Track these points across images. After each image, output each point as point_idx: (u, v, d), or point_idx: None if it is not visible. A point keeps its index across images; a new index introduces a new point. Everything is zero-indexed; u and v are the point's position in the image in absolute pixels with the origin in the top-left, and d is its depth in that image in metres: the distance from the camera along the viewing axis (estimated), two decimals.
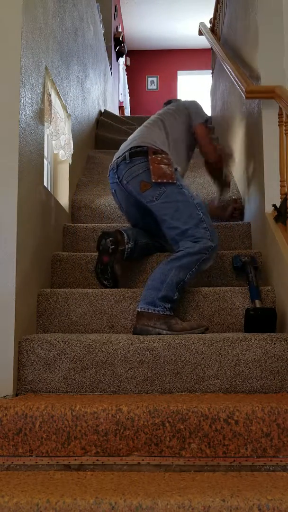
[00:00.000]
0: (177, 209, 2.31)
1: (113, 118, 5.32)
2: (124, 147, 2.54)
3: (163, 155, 2.40)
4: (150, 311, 2.14)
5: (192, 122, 2.68)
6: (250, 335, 1.96)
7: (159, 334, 2.09)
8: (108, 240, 2.40)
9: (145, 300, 2.17)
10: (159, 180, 2.32)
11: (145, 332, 2.11)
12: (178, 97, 9.96)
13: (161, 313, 2.14)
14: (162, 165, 2.35)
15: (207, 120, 2.71)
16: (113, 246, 2.39)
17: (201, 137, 2.70)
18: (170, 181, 2.32)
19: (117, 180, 2.48)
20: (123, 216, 2.83)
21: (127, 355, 1.93)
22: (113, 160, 2.55)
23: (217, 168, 2.85)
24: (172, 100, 2.94)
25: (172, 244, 2.35)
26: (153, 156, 2.38)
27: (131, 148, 2.45)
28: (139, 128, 2.64)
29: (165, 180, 2.32)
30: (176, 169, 2.41)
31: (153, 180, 2.32)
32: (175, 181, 2.33)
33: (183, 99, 2.89)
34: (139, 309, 2.16)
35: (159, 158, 2.37)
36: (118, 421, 1.55)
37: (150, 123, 2.63)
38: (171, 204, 2.32)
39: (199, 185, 3.78)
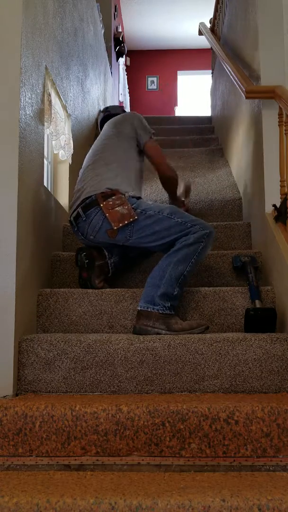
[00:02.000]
0: (154, 232, 2.27)
1: None
2: (75, 199, 2.43)
3: (114, 197, 2.30)
4: (149, 309, 2.13)
5: (141, 140, 2.57)
6: (250, 335, 1.96)
7: (158, 334, 2.09)
8: (82, 255, 2.38)
9: (144, 298, 2.17)
10: (120, 225, 2.26)
11: (144, 332, 2.10)
12: (179, 100, 9.98)
13: (161, 312, 2.13)
14: (117, 208, 2.27)
15: (153, 134, 2.62)
16: (87, 261, 2.36)
17: (154, 156, 2.61)
18: (131, 219, 2.26)
19: (83, 237, 2.40)
20: None
21: (127, 355, 1.93)
22: (70, 214, 2.43)
23: (171, 186, 2.75)
24: (109, 108, 2.87)
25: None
26: (104, 203, 2.29)
27: (81, 202, 2.35)
28: (84, 172, 2.49)
29: (126, 222, 2.26)
30: (130, 198, 2.34)
31: (115, 227, 2.27)
32: (135, 217, 2.26)
33: (122, 112, 2.80)
34: (139, 308, 2.16)
35: (110, 203, 2.28)
36: (118, 421, 1.55)
37: (95, 160, 2.49)
38: (146, 232, 2.27)
39: (199, 185, 3.78)
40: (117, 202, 2.29)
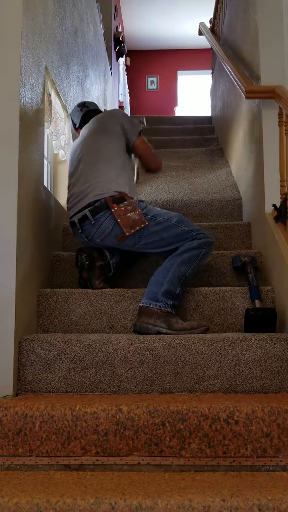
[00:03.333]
0: (161, 238, 2.29)
1: None
2: (78, 200, 2.39)
3: (125, 202, 2.30)
4: (151, 306, 2.14)
5: (129, 137, 2.54)
6: (250, 335, 1.96)
7: (159, 332, 2.09)
8: (83, 256, 2.38)
9: (147, 295, 2.17)
10: (132, 231, 2.27)
11: (144, 330, 2.11)
12: (179, 100, 9.98)
13: (162, 309, 2.13)
14: (129, 214, 2.28)
15: (141, 131, 2.58)
16: (87, 262, 2.36)
17: (144, 155, 2.61)
18: (142, 226, 2.28)
19: (87, 239, 2.39)
20: None
21: (127, 355, 1.93)
22: (72, 215, 2.41)
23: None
24: (87, 104, 2.78)
25: None
26: (116, 209, 2.28)
27: (89, 204, 2.33)
28: (85, 172, 2.43)
29: (137, 228, 2.28)
30: (139, 202, 2.35)
31: (127, 234, 2.27)
32: (146, 223, 2.28)
33: (98, 108, 2.77)
34: (140, 305, 2.16)
35: (122, 208, 2.28)
36: (118, 421, 1.55)
37: (94, 160, 2.44)
38: (154, 238, 2.30)
39: (199, 185, 3.78)
40: (128, 208, 2.30)
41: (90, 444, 1.55)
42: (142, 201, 2.41)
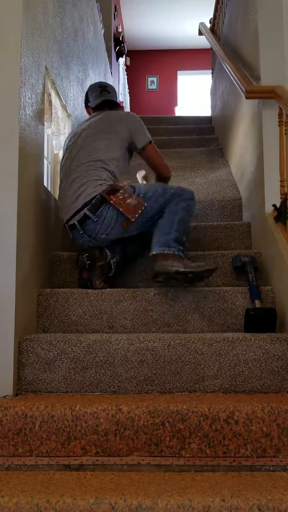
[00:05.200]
0: (156, 210, 2.40)
1: None
2: (70, 202, 2.40)
3: (120, 191, 2.35)
4: (165, 251, 2.27)
5: (137, 143, 2.55)
6: (250, 335, 1.96)
7: (177, 272, 2.21)
8: (84, 256, 2.38)
9: (158, 244, 2.30)
10: (136, 215, 2.35)
11: (164, 270, 2.23)
12: (179, 100, 9.97)
13: (176, 253, 2.27)
14: (128, 200, 2.34)
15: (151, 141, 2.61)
16: (89, 262, 2.37)
17: (159, 164, 2.63)
18: (143, 208, 2.36)
19: (89, 238, 2.41)
20: None
21: (127, 355, 1.93)
22: (69, 218, 2.42)
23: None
24: (108, 89, 2.73)
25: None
26: (114, 199, 2.33)
27: (85, 204, 2.35)
28: (78, 172, 2.43)
29: (139, 211, 2.35)
30: (128, 187, 2.40)
31: (132, 220, 2.34)
32: (145, 204, 2.36)
33: (116, 102, 2.75)
34: (154, 253, 2.29)
35: (120, 197, 2.34)
36: (118, 421, 1.55)
37: (91, 161, 2.44)
38: (151, 213, 2.39)
39: (199, 185, 3.78)
40: (125, 195, 2.36)
41: (90, 444, 1.55)
42: (131, 186, 2.45)
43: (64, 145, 2.67)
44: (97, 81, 4.61)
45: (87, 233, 2.40)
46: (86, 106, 2.84)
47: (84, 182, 2.40)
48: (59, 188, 2.54)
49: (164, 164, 2.66)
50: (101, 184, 2.38)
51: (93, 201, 2.35)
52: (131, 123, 2.58)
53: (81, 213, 2.37)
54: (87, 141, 2.52)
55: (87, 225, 2.38)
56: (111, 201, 2.33)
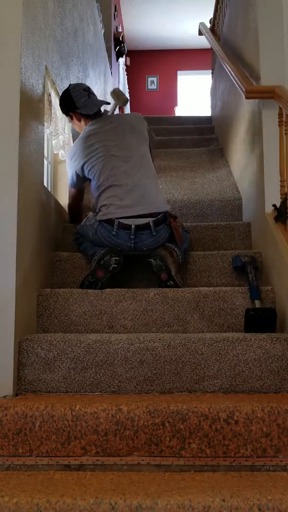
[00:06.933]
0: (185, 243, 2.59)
1: None
2: (131, 202, 2.45)
3: (177, 219, 2.55)
4: (174, 248, 2.41)
5: (151, 145, 2.72)
6: (250, 335, 1.96)
7: (169, 270, 2.33)
8: (113, 259, 2.37)
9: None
10: (179, 244, 2.49)
11: (163, 255, 2.36)
12: (179, 100, 9.98)
13: (179, 255, 2.41)
14: (180, 230, 2.53)
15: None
16: (115, 265, 2.38)
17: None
18: (183, 239, 2.55)
19: (132, 245, 2.44)
20: None
21: (127, 355, 1.93)
22: (125, 217, 2.43)
23: None
24: (92, 92, 2.74)
25: None
26: (174, 223, 2.49)
27: (152, 215, 2.44)
28: (135, 177, 2.51)
29: (181, 241, 2.52)
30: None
31: (179, 246, 2.47)
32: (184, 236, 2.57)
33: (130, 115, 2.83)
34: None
35: (178, 224, 2.53)
36: (118, 421, 1.55)
37: (142, 166, 2.55)
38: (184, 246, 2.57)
39: (199, 185, 3.78)
40: (178, 224, 2.55)
41: (90, 444, 1.55)
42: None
43: (87, 153, 2.59)
44: (97, 81, 4.60)
45: (135, 240, 2.43)
46: (73, 111, 2.72)
47: (148, 191, 2.50)
48: (101, 186, 2.51)
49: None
50: (162, 201, 2.54)
51: (159, 216, 2.46)
52: (146, 125, 2.74)
53: (145, 220, 2.43)
54: (129, 144, 2.59)
55: (143, 234, 2.43)
56: (171, 224, 2.47)
